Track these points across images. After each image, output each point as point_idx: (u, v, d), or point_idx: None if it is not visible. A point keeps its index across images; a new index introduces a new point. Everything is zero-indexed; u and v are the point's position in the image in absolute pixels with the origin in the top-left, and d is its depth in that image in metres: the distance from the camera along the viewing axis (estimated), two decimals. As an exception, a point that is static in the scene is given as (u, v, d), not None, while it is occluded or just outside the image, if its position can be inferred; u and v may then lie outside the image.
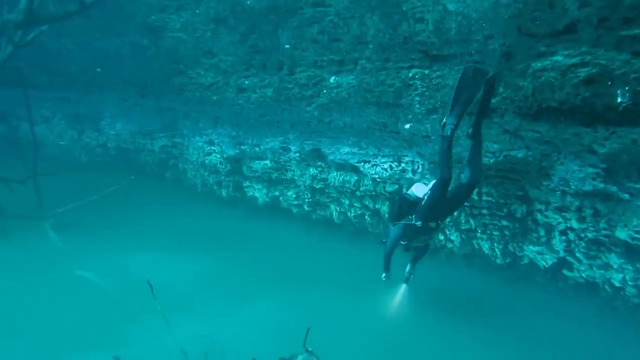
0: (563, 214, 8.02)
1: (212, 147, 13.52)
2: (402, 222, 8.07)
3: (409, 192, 8.44)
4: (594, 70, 6.18)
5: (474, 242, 9.75)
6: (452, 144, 7.36)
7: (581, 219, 7.76)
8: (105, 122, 16.75)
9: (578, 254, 8.12)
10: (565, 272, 8.64)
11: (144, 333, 7.61)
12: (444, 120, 7.44)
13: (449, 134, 7.33)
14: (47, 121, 18.70)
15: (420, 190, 8.23)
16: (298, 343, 6.10)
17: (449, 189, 7.72)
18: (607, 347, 7.76)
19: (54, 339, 7.74)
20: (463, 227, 9.64)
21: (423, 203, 7.76)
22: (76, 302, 8.80)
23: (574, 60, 6.30)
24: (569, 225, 8.02)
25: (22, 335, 7.80)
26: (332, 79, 9.99)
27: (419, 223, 7.69)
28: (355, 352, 7.67)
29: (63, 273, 9.87)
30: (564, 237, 8.23)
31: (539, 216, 8.48)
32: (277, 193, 12.71)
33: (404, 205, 8.22)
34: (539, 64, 6.73)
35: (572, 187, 7.48)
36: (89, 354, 6.50)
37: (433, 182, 8.03)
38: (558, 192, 7.85)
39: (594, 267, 8.02)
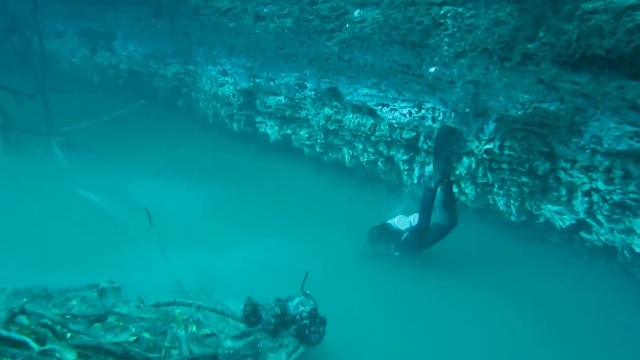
0: (589, 174, 7.61)
1: (226, 78, 13.01)
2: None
3: (390, 222, 8.75)
4: (654, 15, 5.57)
5: (490, 197, 9.42)
6: (435, 196, 7.99)
7: (609, 180, 7.34)
8: (117, 42, 16.19)
9: (599, 217, 7.77)
10: (582, 234, 8.32)
11: (141, 260, 7.45)
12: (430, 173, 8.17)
13: (433, 186, 7.93)
14: (60, 36, 18.14)
15: (402, 223, 8.60)
16: (296, 284, 5.89)
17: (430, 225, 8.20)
18: (619, 312, 7.52)
19: (49, 256, 7.64)
20: (479, 181, 9.27)
21: (402, 239, 8.31)
22: (77, 221, 8.68)
23: (632, 1, 5.66)
24: (594, 186, 7.61)
25: (16, 250, 7.69)
26: (356, 13, 9.37)
27: (396, 254, 8.42)
28: (353, 297, 7.50)
29: (67, 191, 9.71)
30: (586, 198, 7.86)
31: (562, 175, 8.07)
32: (289, 131, 12.33)
33: (383, 235, 8.65)
34: (590, 5, 6.12)
35: (605, 145, 7.01)
36: (83, 275, 6.34)
37: (414, 216, 8.43)
38: (588, 151, 7.40)
39: (615, 231, 7.68)
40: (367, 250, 8.83)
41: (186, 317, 5.34)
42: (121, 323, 4.93)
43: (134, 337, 4.59)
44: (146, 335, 4.76)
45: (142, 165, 11.38)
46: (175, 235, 8.07)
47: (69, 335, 4.32)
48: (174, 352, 4.59)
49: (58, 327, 4.20)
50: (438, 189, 8.09)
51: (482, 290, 8.01)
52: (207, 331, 5.31)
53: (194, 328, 5.24)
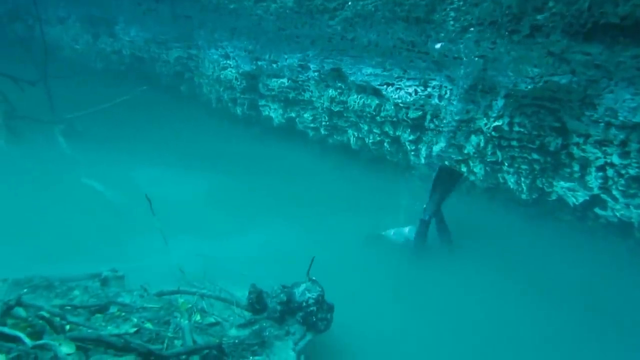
0: (604, 148, 7.35)
1: (228, 61, 12.78)
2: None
3: (386, 234, 8.90)
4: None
5: (499, 175, 9.18)
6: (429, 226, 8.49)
7: (624, 154, 7.09)
8: (119, 27, 15.95)
9: (615, 192, 7.53)
10: (597, 210, 8.09)
11: (144, 248, 7.36)
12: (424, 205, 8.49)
13: (427, 218, 8.43)
14: (62, 22, 17.92)
15: (398, 235, 8.76)
16: (302, 270, 5.75)
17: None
18: (637, 289, 7.32)
19: (52, 245, 7.57)
20: (488, 159, 9.02)
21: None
22: (79, 210, 8.61)
23: (649, -37, 5.37)
24: (608, 160, 7.36)
25: (19, 240, 7.61)
26: (359, -11, 9.04)
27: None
28: (361, 282, 7.36)
29: (70, 180, 9.59)
30: (601, 174, 7.60)
31: (575, 150, 7.82)
32: (293, 114, 12.12)
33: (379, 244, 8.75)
34: (602, -30, 5.80)
35: (620, 118, 6.76)
36: (86, 264, 6.25)
37: (409, 228, 8.72)
38: (602, 124, 7.14)
39: (630, 207, 7.45)
40: (372, 235, 8.68)
41: (190, 306, 5.24)
42: (123, 313, 4.84)
43: (135, 329, 4.47)
44: (148, 325, 4.66)
45: (146, 153, 11.27)
46: (179, 222, 7.99)
47: (68, 327, 4.23)
48: (177, 342, 4.49)
49: (57, 320, 4.10)
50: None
51: (494, 272, 7.87)
52: (212, 320, 5.21)
53: (198, 317, 5.14)
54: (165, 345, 4.38)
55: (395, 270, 7.91)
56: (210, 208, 9.20)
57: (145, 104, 13.07)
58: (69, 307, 4.76)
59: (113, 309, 4.98)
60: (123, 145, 11.49)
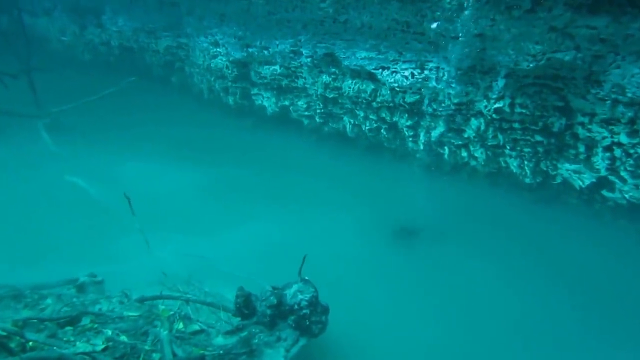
0: (610, 127, 7.01)
1: (218, 49, 12.36)
2: None
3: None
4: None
5: (501, 159, 8.86)
6: None
7: (632, 133, 6.74)
8: (106, 17, 15.49)
9: (623, 173, 7.20)
10: (604, 192, 7.74)
11: (128, 249, 6.99)
12: None
13: None
14: (48, 13, 17.44)
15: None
16: (297, 268, 5.37)
17: None
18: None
19: (31, 246, 7.24)
20: (490, 143, 8.69)
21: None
22: (61, 209, 8.23)
23: None
24: (616, 140, 7.02)
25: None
26: (349, -33, 8.65)
27: None
28: (359, 280, 7.00)
29: (52, 177, 9.22)
30: (608, 154, 7.27)
31: (580, 130, 7.48)
32: (286, 102, 11.74)
33: None
34: None
35: (628, 94, 6.39)
36: (65, 266, 5.91)
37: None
38: (608, 102, 6.79)
39: (640, 188, 7.10)
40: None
41: (172, 313, 4.90)
42: (96, 325, 4.49)
43: (104, 345, 4.11)
44: (123, 338, 4.33)
45: (134, 147, 10.89)
46: (168, 219, 7.63)
47: (30, 344, 3.88)
48: (156, 356, 4.16)
49: (16, 340, 3.73)
50: None
51: (497, 259, 7.50)
52: (196, 327, 4.88)
53: (181, 325, 4.81)
54: (140, 360, 4.06)
55: (396, 266, 7.50)
56: (202, 203, 8.83)
57: (135, 96, 12.69)
58: (35, 321, 4.39)
59: (85, 320, 4.63)
60: (111, 140, 11.12)
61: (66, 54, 16.82)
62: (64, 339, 4.20)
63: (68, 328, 4.47)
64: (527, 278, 7.30)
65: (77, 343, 4.17)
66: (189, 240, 7.46)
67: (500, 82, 7.86)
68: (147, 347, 4.22)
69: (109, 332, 4.39)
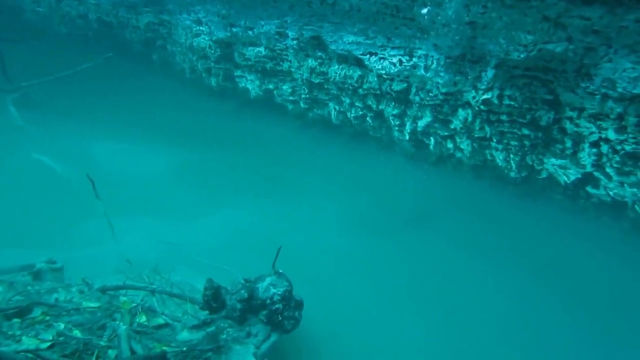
0: (599, 122, 6.86)
1: (200, 27, 11.90)
2: None
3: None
4: None
5: (487, 152, 8.70)
6: None
7: (621, 129, 6.59)
8: (84, -12, 14.87)
9: (608, 169, 7.06)
10: (589, 189, 7.62)
11: (94, 234, 6.60)
12: None
13: None
14: (21, -19, 16.71)
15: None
16: (270, 259, 5.10)
17: None
18: (631, 271, 6.86)
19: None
20: (476, 135, 8.49)
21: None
22: (25, 189, 7.76)
23: None
24: (603, 135, 6.88)
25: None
26: (338, -54, 8.31)
27: None
28: (339, 273, 6.76)
29: (18, 154, 8.73)
30: (594, 150, 7.14)
31: (567, 125, 7.32)
32: (271, 86, 11.40)
33: None
34: None
35: (619, 89, 6.22)
36: (21, 251, 5.53)
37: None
38: (597, 96, 6.63)
39: (625, 185, 7.00)
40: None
41: (134, 305, 4.61)
42: (48, 318, 4.16)
43: (49, 343, 3.78)
44: (77, 333, 4.03)
45: (109, 126, 10.43)
46: (140, 203, 7.27)
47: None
48: (112, 353, 3.87)
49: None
50: None
51: (480, 255, 7.34)
52: (160, 321, 4.59)
53: (143, 318, 4.52)
54: (93, 358, 3.76)
55: (378, 259, 7.26)
56: (177, 188, 8.50)
57: (112, 73, 12.18)
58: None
59: (37, 312, 4.30)
60: (84, 118, 10.60)
61: (41, 25, 16.05)
62: (9, 332, 3.87)
63: (15, 320, 4.11)
64: (509, 272, 7.22)
65: (23, 338, 3.84)
66: (160, 225, 7.14)
67: (490, 73, 7.65)
68: (102, 343, 3.92)
69: (62, 326, 4.07)
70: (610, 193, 7.27)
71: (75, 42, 14.57)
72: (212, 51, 11.84)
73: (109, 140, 9.81)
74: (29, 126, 9.96)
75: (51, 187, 7.98)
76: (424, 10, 7.98)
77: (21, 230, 6.73)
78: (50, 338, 3.81)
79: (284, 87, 11.21)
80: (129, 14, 13.85)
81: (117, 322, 4.20)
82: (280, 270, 5.12)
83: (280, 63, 10.93)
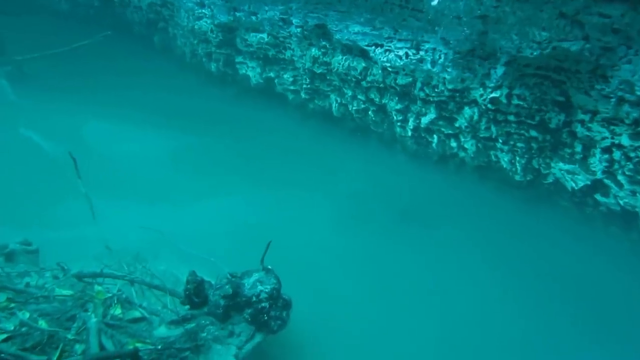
0: (612, 127, 6.55)
1: (203, 10, 11.56)
2: None
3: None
4: None
5: (492, 153, 8.40)
6: None
7: (636, 135, 6.31)
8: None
9: (620, 177, 6.77)
10: (597, 196, 7.32)
11: (73, 216, 6.24)
12: None
13: None
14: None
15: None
16: (257, 252, 4.79)
17: None
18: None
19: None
20: (481, 135, 8.19)
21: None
22: (7, 163, 7.39)
23: None
24: (616, 141, 6.57)
25: None
26: None
27: None
28: (331, 270, 6.44)
29: (5, 128, 8.37)
30: (606, 156, 6.83)
31: (578, 128, 7.02)
32: (272, 74, 11.10)
33: None
34: None
35: (637, 92, 5.91)
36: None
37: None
38: (613, 100, 6.33)
39: (637, 194, 6.69)
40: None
41: (109, 295, 4.29)
42: (13, 305, 3.84)
43: (10, 333, 3.47)
44: (42, 323, 3.72)
45: (102, 105, 10.08)
46: (127, 186, 6.94)
47: None
48: (78, 347, 3.56)
49: None
50: None
51: (481, 261, 7.05)
52: (137, 314, 4.28)
53: (119, 310, 4.21)
54: (58, 352, 3.44)
55: (373, 259, 6.95)
56: (167, 173, 8.18)
57: (111, 53, 11.86)
58: None
59: (2, 297, 3.97)
60: (78, 96, 10.26)
61: (42, 1, 15.76)
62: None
63: (-25, 307, 3.81)
64: (509, 277, 6.98)
65: (-17, 326, 3.53)
66: (147, 210, 6.81)
67: (500, 70, 7.35)
68: (69, 336, 3.61)
69: (26, 315, 3.77)
70: (621, 202, 6.98)
71: (75, 20, 14.24)
72: (214, 35, 11.52)
73: (102, 120, 9.51)
74: (21, 100, 9.61)
75: (37, 164, 7.65)
76: (434, 2, 7.72)
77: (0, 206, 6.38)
78: (12, 328, 3.49)
79: (285, 75, 10.92)
80: (132, -7, 13.53)
81: (89, 314, 3.90)
82: (269, 267, 4.80)
83: (283, 51, 10.64)
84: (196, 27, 11.84)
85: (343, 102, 10.09)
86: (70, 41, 11.31)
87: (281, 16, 10.10)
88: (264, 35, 10.63)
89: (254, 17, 10.59)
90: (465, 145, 8.60)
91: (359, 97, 9.67)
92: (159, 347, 3.84)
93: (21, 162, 7.61)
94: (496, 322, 6.24)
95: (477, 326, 6.13)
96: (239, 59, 11.62)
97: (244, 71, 11.64)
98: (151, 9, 13.39)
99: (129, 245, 5.61)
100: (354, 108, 9.88)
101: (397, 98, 9.06)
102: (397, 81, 8.76)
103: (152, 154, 8.71)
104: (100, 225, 5.85)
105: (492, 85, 7.52)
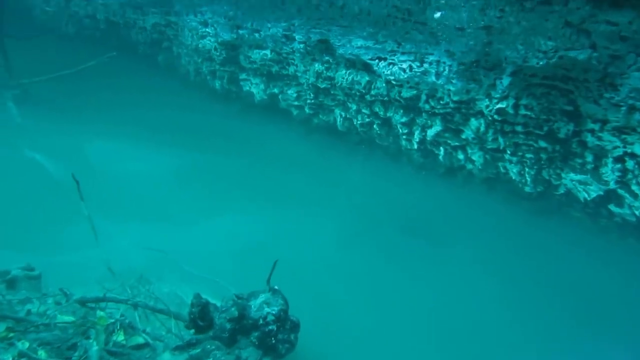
0: (623, 136, 6.41)
1: (206, 29, 11.63)
2: None
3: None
4: None
5: (500, 164, 8.27)
6: None
7: (649, 144, 6.12)
8: (93, -12, 14.69)
9: (634, 187, 6.61)
10: (612, 207, 7.15)
11: (79, 238, 6.15)
12: None
13: None
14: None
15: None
16: (264, 272, 4.66)
17: None
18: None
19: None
20: (489, 146, 8.07)
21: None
22: (13, 187, 7.34)
23: None
24: (629, 150, 6.44)
25: None
26: (349, -53, 8.02)
27: None
28: (340, 290, 6.29)
29: (11, 150, 8.37)
30: (618, 165, 6.68)
31: (589, 138, 6.88)
32: (276, 90, 11.08)
33: None
34: None
35: (649, 100, 5.76)
36: (4, 255, 5.09)
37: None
38: (623, 108, 6.21)
39: (653, 204, 6.52)
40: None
41: (111, 321, 4.19)
42: (12, 335, 3.74)
43: None
44: (41, 354, 3.62)
45: (107, 126, 10.09)
46: (132, 207, 6.86)
47: None
48: (79, 377, 3.45)
49: None
50: None
51: (490, 277, 6.86)
52: (140, 340, 4.16)
53: (121, 337, 4.10)
54: (57, 384, 3.35)
55: (382, 277, 6.79)
56: (172, 192, 8.12)
57: (117, 73, 11.95)
58: None
59: (1, 327, 3.88)
60: (84, 117, 10.34)
61: (49, 24, 15.98)
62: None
63: (-28, 338, 3.70)
64: (521, 292, 6.75)
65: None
66: (150, 230, 6.72)
67: (505, 81, 7.25)
68: (69, 366, 3.52)
69: (26, 345, 3.67)
70: (636, 212, 6.81)
71: (81, 42, 14.44)
72: (218, 53, 11.57)
73: (107, 139, 9.53)
74: (27, 122, 9.64)
75: (41, 187, 7.60)
76: (437, 15, 7.67)
77: (1, 230, 6.30)
78: (10, 358, 3.39)
79: (289, 91, 10.90)
80: (136, 14, 13.73)
81: (90, 341, 3.79)
82: (276, 287, 4.67)
83: (286, 67, 10.64)
84: (200, 45, 11.90)
85: (347, 116, 10.03)
86: (76, 63, 11.44)
87: (284, 32, 10.11)
88: (267, 52, 10.65)
89: (257, 35, 10.61)
90: (473, 157, 8.48)
91: (363, 110, 9.61)
92: (163, 375, 3.73)
93: (25, 184, 7.56)
94: (507, 340, 6.05)
95: (486, 346, 5.93)
96: (242, 75, 11.65)
97: (247, 88, 11.65)
98: (155, 29, 13.51)
99: (132, 266, 5.51)
100: (358, 122, 9.82)
101: (402, 111, 9.00)
102: (401, 94, 8.70)
103: (156, 172, 8.66)
104: (104, 247, 5.77)
105: (498, 95, 7.42)
